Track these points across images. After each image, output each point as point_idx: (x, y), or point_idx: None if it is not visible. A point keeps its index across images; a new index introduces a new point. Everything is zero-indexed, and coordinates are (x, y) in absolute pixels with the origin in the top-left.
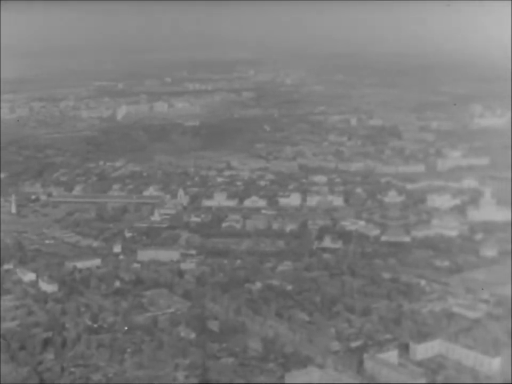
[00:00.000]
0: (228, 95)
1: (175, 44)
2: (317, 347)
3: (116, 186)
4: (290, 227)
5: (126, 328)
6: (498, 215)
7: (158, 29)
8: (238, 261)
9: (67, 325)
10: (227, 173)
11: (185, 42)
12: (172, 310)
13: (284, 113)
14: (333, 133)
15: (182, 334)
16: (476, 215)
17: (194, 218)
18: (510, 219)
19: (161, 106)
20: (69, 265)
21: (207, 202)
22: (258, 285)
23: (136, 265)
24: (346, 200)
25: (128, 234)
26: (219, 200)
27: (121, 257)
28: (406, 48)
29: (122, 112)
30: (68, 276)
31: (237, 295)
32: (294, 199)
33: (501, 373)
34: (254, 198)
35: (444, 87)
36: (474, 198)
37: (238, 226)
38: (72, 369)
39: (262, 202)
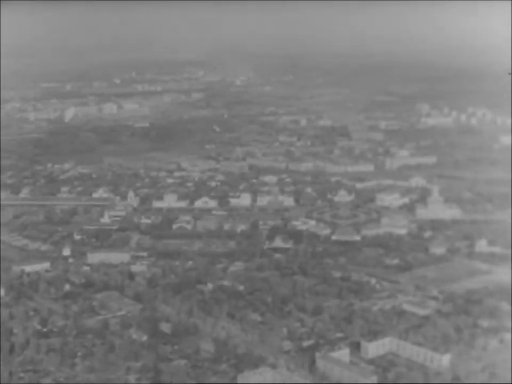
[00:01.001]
0: (178, 96)
1: (124, 45)
2: (269, 347)
3: (64, 189)
4: (241, 227)
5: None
6: (446, 213)
7: (106, 30)
8: (189, 262)
9: (15, 330)
10: (177, 174)
11: (134, 42)
12: (123, 312)
13: (233, 114)
14: (283, 133)
15: (134, 337)
16: (424, 213)
17: (144, 220)
18: (458, 216)
19: (110, 108)
20: (17, 269)
21: (157, 204)
22: (210, 286)
23: (86, 268)
24: (296, 200)
25: (77, 237)
26: (169, 201)
27: (70, 260)
28: (355, 48)
29: (70, 113)
30: (15, 280)
31: (189, 297)
32: (244, 200)
33: (450, 369)
34: (204, 198)
35: (392, 87)
36: (423, 196)
37: (189, 227)
38: (21, 374)
39: (212, 203)
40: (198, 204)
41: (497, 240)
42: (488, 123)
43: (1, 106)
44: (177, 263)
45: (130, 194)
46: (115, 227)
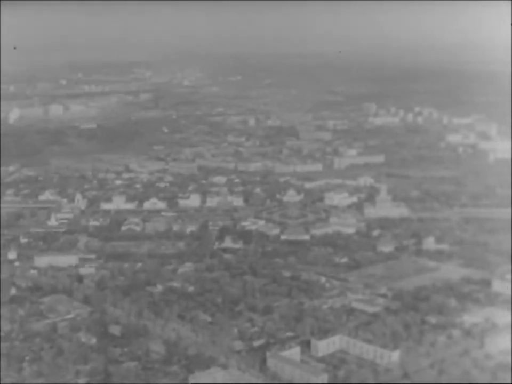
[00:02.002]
0: (125, 97)
1: (70, 45)
2: (220, 347)
3: (9, 192)
4: (190, 228)
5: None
6: (394, 211)
7: (52, 30)
8: (139, 264)
9: None
10: (126, 175)
11: (81, 43)
12: (71, 315)
13: (182, 115)
14: (232, 133)
15: (83, 340)
16: (373, 211)
17: (92, 222)
18: (406, 215)
19: (56, 109)
20: None
21: (105, 206)
22: (160, 287)
23: (33, 271)
24: (246, 200)
25: (23, 240)
26: (118, 203)
27: (16, 263)
28: (302, 48)
29: (14, 115)
30: None
31: (138, 299)
32: (193, 200)
33: (400, 365)
34: (153, 200)
35: (339, 87)
36: (371, 195)
37: (138, 229)
38: None
39: (161, 204)
40: (147, 205)
41: (445, 238)
42: (435, 122)
43: None
44: (126, 265)
45: (78, 196)
46: (62, 230)
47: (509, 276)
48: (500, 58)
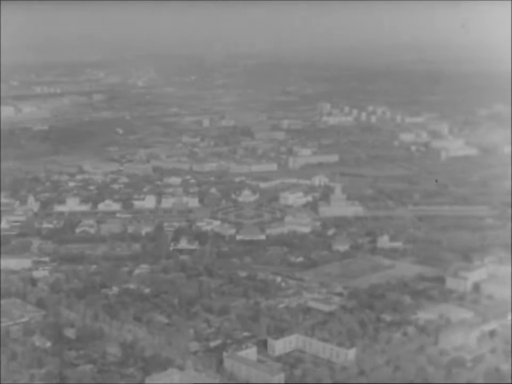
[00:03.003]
0: (78, 98)
1: (21, 46)
2: (176, 348)
3: None
4: (146, 230)
5: None
6: (349, 210)
7: (3, 30)
8: (94, 266)
9: None
10: (79, 177)
11: (33, 44)
12: (25, 319)
13: (136, 116)
14: (186, 134)
15: (37, 343)
16: (327, 210)
17: (46, 225)
18: (360, 213)
19: (7, 111)
20: None
21: (59, 208)
22: (115, 289)
23: None
24: (201, 201)
25: None
26: (72, 205)
27: None
28: (255, 49)
29: None
30: None
31: (94, 301)
32: (149, 202)
33: (356, 363)
34: (108, 201)
35: (293, 87)
36: (325, 194)
37: (93, 231)
38: None
39: (116, 206)
40: (101, 207)
41: (399, 236)
42: (388, 121)
43: None
44: (81, 267)
45: (31, 198)
46: (15, 232)
47: (461, 273)
48: (454, 58)
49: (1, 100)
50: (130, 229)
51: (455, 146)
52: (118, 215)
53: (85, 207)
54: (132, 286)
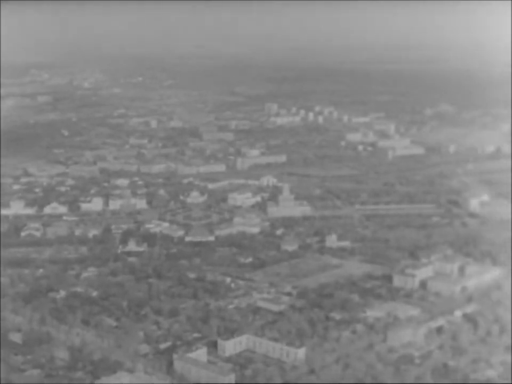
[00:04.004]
0: (22, 99)
1: None
2: (126, 351)
3: None
4: (93, 232)
5: None
6: (297, 210)
7: None
8: (40, 270)
9: None
10: (24, 180)
11: None
12: None
13: (82, 117)
14: (134, 135)
15: None
16: (276, 211)
17: None
18: (308, 213)
19: None
20: None
21: (3, 211)
22: (63, 293)
23: None
24: (149, 203)
25: None
26: (16, 208)
27: None
28: (202, 49)
29: None
30: None
31: (40, 305)
32: (96, 204)
33: (306, 362)
34: (54, 204)
35: (240, 87)
36: (274, 195)
37: (38, 234)
38: None
39: (62, 209)
40: (47, 210)
41: (346, 235)
42: (335, 121)
43: None
44: (26, 271)
45: None
46: None
47: (408, 271)
48: (401, 57)
49: None
50: (77, 232)
51: (401, 146)
52: (64, 217)
53: (30, 210)
54: (79, 289)
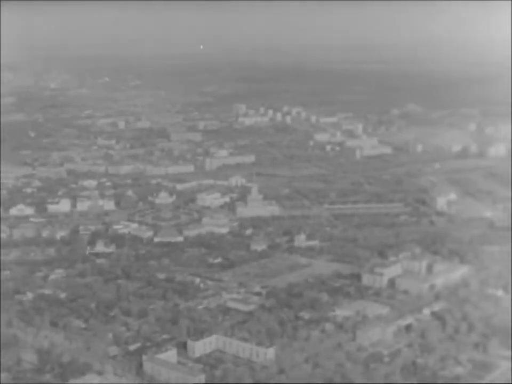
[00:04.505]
0: None
1: None
2: (95, 353)
3: None
4: (60, 234)
5: None
6: (266, 210)
7: None
8: (7, 272)
9: None
10: None
11: None
12: None
13: (49, 118)
14: (101, 136)
15: None
16: (245, 211)
17: None
18: (277, 213)
19: None
20: None
21: None
22: (30, 295)
23: None
24: (117, 204)
25: None
26: None
27: None
28: (168, 50)
29: None
30: None
31: (7, 307)
32: (63, 205)
33: (276, 361)
34: (20, 206)
35: (208, 87)
36: (243, 195)
37: (5, 236)
38: None
39: (29, 210)
40: (14, 211)
41: (315, 234)
42: (303, 121)
43: None
44: None
45: None
46: None
47: (377, 269)
48: (368, 58)
49: None
50: (44, 233)
51: (369, 145)
52: (31, 219)
53: None
54: (47, 291)
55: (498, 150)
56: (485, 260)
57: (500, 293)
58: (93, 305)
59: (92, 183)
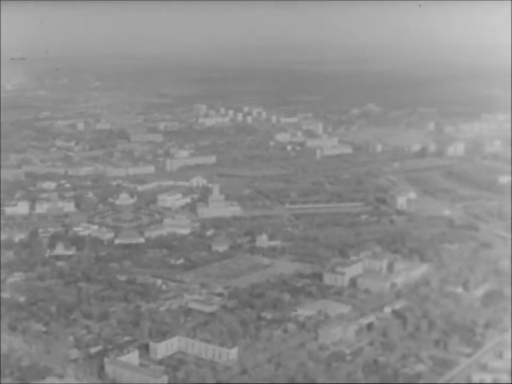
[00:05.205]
0: None
1: None
2: (55, 357)
3: None
4: (19, 237)
5: None
6: (227, 210)
7: None
8: None
9: None
10: None
11: None
12: None
13: (7, 120)
14: (60, 138)
15: None
16: (206, 212)
17: None
18: (239, 213)
19: None
20: None
21: None
22: None
23: None
24: (77, 205)
25: None
26: None
27: None
28: (129, 50)
29: None
30: None
31: None
32: (21, 208)
33: (238, 362)
34: None
35: (168, 88)
36: (204, 196)
37: None
38: None
39: None
40: None
41: (277, 234)
42: (263, 121)
43: None
44: None
45: None
46: None
47: (338, 269)
48: (327, 58)
49: None
50: (2, 236)
51: (329, 145)
52: None
53: None
54: (5, 295)
55: (457, 149)
56: (445, 258)
57: (459, 290)
58: (53, 308)
59: (51, 185)
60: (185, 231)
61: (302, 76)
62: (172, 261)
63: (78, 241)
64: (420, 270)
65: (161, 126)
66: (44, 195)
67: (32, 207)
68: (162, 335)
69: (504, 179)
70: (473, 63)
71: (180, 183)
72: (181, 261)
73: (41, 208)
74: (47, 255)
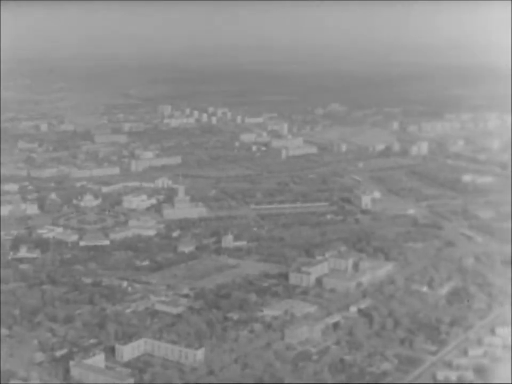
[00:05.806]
0: None
1: None
2: (20, 360)
3: None
4: None
5: None
6: (193, 211)
7: None
8: None
9: None
10: None
11: None
12: None
13: None
14: (23, 139)
15: None
16: (172, 213)
17: None
18: (204, 214)
19: None
20: None
21: None
22: None
23: None
24: (41, 207)
25: None
26: None
27: None
28: (91, 50)
29: None
30: None
31: None
32: None
33: (205, 363)
34: None
35: (132, 89)
36: (169, 197)
37: None
38: None
39: None
40: None
41: (242, 235)
42: (228, 122)
43: None
44: None
45: None
46: None
47: (304, 268)
48: (291, 59)
49: None
50: None
51: (294, 145)
52: None
53: None
54: None
55: (421, 148)
56: (410, 257)
57: (424, 289)
58: (16, 311)
59: (14, 186)
60: (151, 233)
61: (266, 76)
62: (138, 263)
63: (42, 244)
64: (385, 268)
65: (126, 127)
66: (7, 197)
67: None
68: (129, 337)
69: (467, 178)
70: (447, 64)
71: (145, 184)
72: (147, 262)
73: (3, 211)
74: (10, 257)
